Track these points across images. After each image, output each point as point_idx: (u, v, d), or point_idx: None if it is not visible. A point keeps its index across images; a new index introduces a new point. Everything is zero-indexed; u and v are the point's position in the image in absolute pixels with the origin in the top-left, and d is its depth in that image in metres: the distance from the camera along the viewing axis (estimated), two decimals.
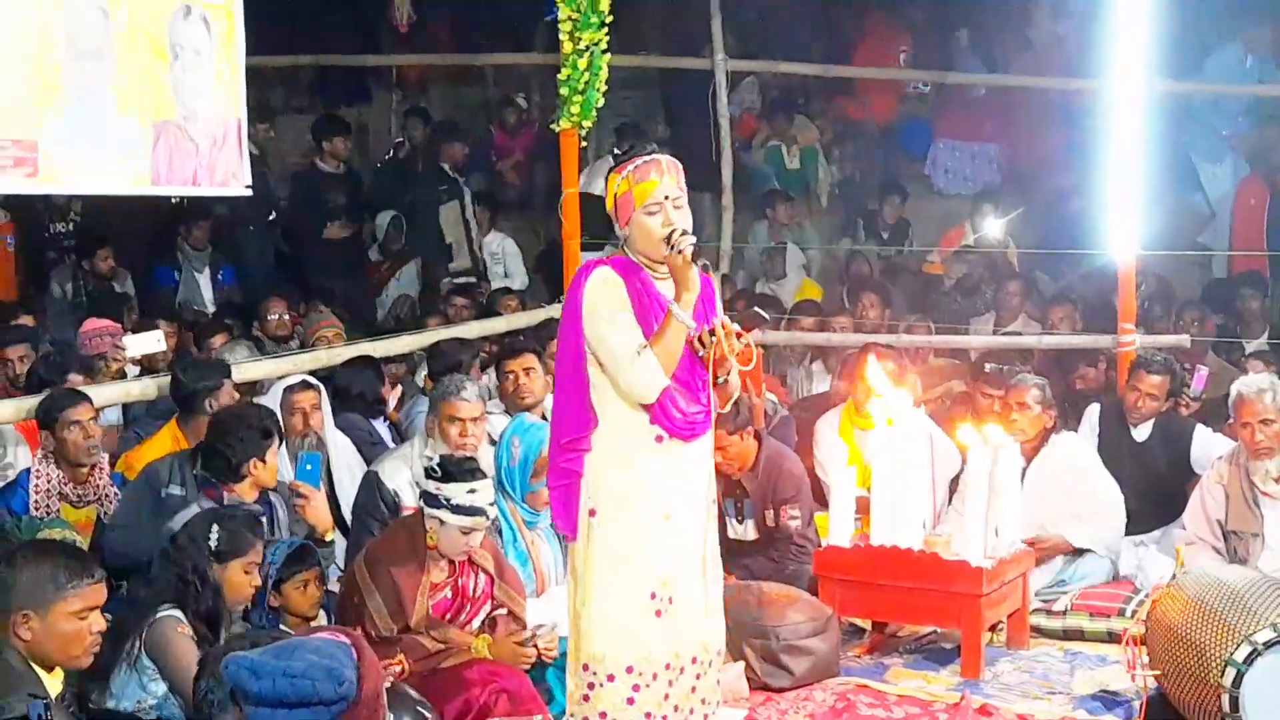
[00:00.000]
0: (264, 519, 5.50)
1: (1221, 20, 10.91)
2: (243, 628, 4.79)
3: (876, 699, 5.51)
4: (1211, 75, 10.95)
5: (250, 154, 5.22)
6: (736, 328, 4.41)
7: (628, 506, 4.40)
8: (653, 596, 4.41)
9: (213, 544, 4.72)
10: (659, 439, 4.40)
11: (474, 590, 5.30)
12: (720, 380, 4.44)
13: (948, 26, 12.28)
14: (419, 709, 4.61)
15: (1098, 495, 6.62)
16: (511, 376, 6.93)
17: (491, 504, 5.25)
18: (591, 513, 4.42)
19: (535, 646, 5.20)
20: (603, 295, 4.38)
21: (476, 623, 5.32)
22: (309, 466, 5.80)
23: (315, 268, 10.66)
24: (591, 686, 4.43)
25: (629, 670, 4.40)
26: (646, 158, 4.39)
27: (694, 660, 4.50)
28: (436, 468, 5.23)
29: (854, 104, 12.40)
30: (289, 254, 11.02)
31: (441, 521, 5.14)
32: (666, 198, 4.35)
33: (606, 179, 4.51)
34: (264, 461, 5.67)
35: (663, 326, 4.31)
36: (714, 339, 4.33)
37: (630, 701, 4.41)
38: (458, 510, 5.11)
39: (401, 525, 5.43)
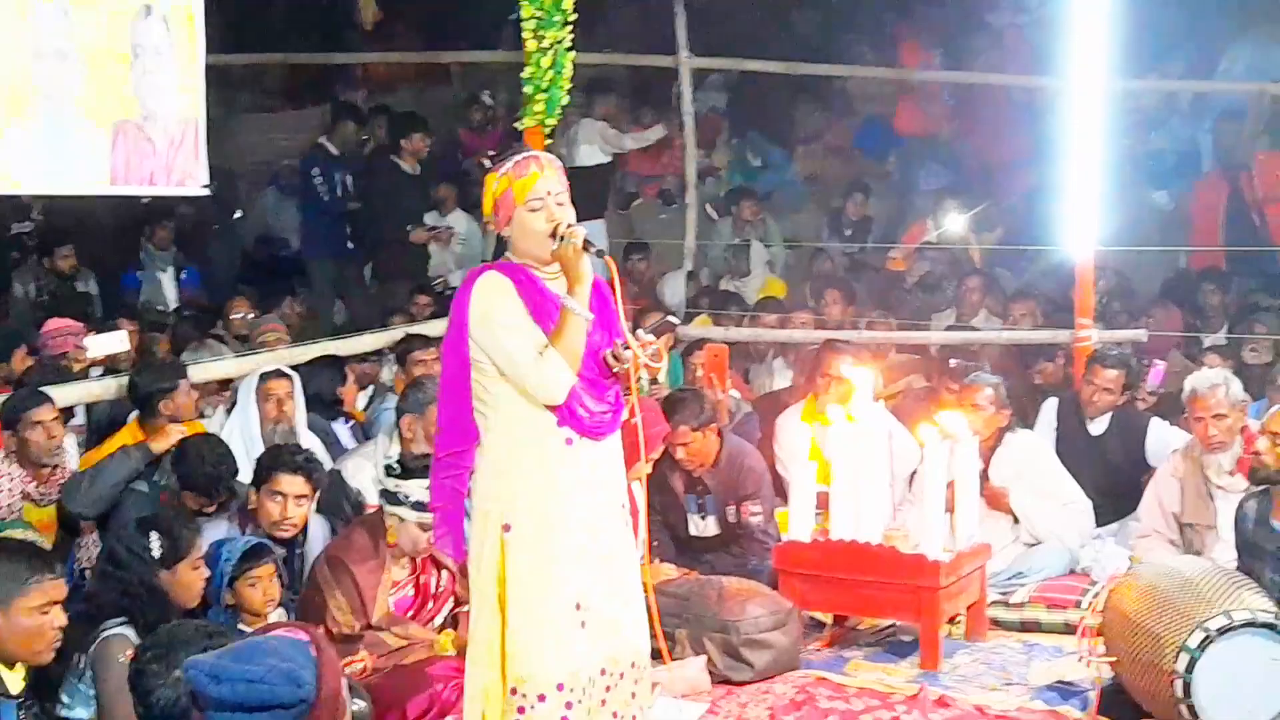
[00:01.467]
0: None
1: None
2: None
3: (836, 691, 5.55)
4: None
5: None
6: (649, 337, 4.22)
7: (543, 516, 4.13)
8: (577, 608, 4.14)
9: (155, 552, 4.69)
10: (569, 441, 4.14)
11: (436, 587, 5.34)
12: (635, 386, 4.30)
13: (906, 26, 12.35)
14: (355, 699, 4.61)
15: (1065, 492, 6.69)
16: None
17: None
18: (505, 528, 4.12)
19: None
20: (493, 300, 4.14)
21: (439, 619, 5.36)
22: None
23: (390, 269, 10.67)
24: (521, 710, 4.12)
25: (559, 687, 4.10)
26: (523, 154, 4.23)
27: (602, 672, 4.20)
28: (395, 465, 5.26)
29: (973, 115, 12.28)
30: (357, 251, 10.97)
31: (401, 519, 5.18)
32: (549, 192, 4.15)
33: (483, 181, 4.32)
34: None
35: (560, 322, 4.10)
36: (628, 353, 4.14)
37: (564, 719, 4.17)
38: (417, 507, 5.14)
39: (361, 523, 5.46)
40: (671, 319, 4.68)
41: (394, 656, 5.12)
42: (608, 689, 4.20)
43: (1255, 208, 10.61)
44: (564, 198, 4.19)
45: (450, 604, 5.40)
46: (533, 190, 4.14)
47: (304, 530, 5.73)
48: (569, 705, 4.11)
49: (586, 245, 4.11)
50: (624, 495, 4.31)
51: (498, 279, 4.16)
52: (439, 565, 5.36)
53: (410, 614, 5.30)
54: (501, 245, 4.31)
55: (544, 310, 4.14)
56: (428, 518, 5.04)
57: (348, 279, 10.78)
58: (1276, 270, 10.14)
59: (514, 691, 4.10)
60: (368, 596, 5.14)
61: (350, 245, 10.84)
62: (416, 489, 5.13)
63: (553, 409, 4.09)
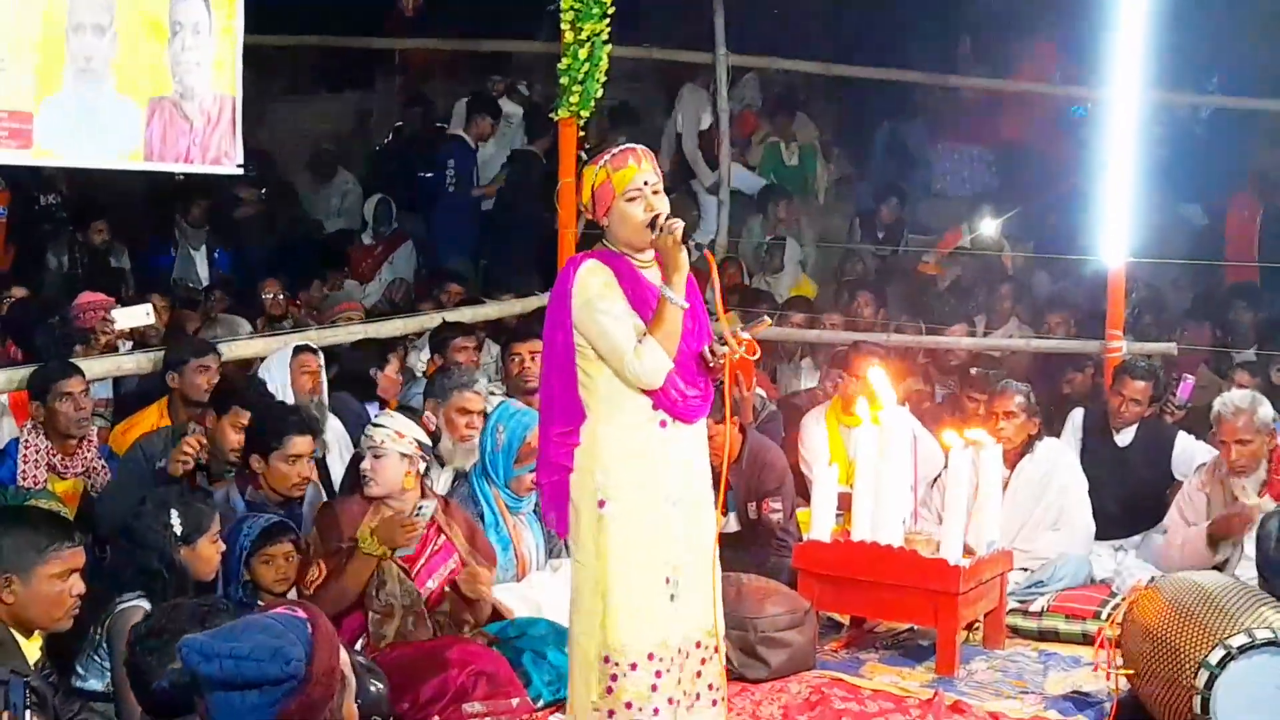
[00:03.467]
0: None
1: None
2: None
3: (851, 693, 5.53)
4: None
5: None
6: (744, 334, 4.47)
7: (639, 494, 4.37)
8: (667, 581, 4.40)
9: (177, 530, 4.72)
10: (663, 424, 4.39)
11: (435, 542, 5.40)
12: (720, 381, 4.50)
13: (950, 31, 12.30)
14: (370, 679, 4.63)
15: (1067, 507, 6.67)
16: (517, 359, 7.01)
17: (376, 424, 5.46)
18: (601, 504, 4.36)
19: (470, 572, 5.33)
20: (594, 287, 4.35)
21: (432, 582, 5.40)
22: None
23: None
24: (615, 678, 4.37)
25: (650, 657, 4.36)
26: (621, 147, 4.41)
27: (697, 644, 4.49)
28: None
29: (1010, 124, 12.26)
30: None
31: (375, 456, 5.34)
32: (645, 183, 4.34)
33: (581, 174, 4.51)
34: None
35: (659, 311, 4.31)
36: (725, 349, 4.38)
37: (654, 689, 4.37)
38: (369, 437, 5.38)
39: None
40: (766, 316, 4.85)
41: (339, 556, 5.22)
42: (703, 661, 4.51)
43: None
44: (659, 187, 4.38)
45: (444, 570, 5.44)
46: (631, 182, 4.35)
47: None
48: (659, 674, 4.38)
49: (684, 236, 4.30)
50: (709, 476, 4.56)
51: (599, 267, 4.39)
52: (442, 534, 5.40)
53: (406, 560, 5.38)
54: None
55: (641, 298, 4.37)
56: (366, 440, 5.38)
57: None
58: None
59: (606, 660, 4.37)
60: (345, 529, 5.30)
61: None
62: (380, 417, 5.46)
63: (649, 393, 4.34)
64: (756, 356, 4.55)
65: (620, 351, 4.30)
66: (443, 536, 5.44)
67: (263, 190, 11.00)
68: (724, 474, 4.64)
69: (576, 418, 4.42)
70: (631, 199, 4.34)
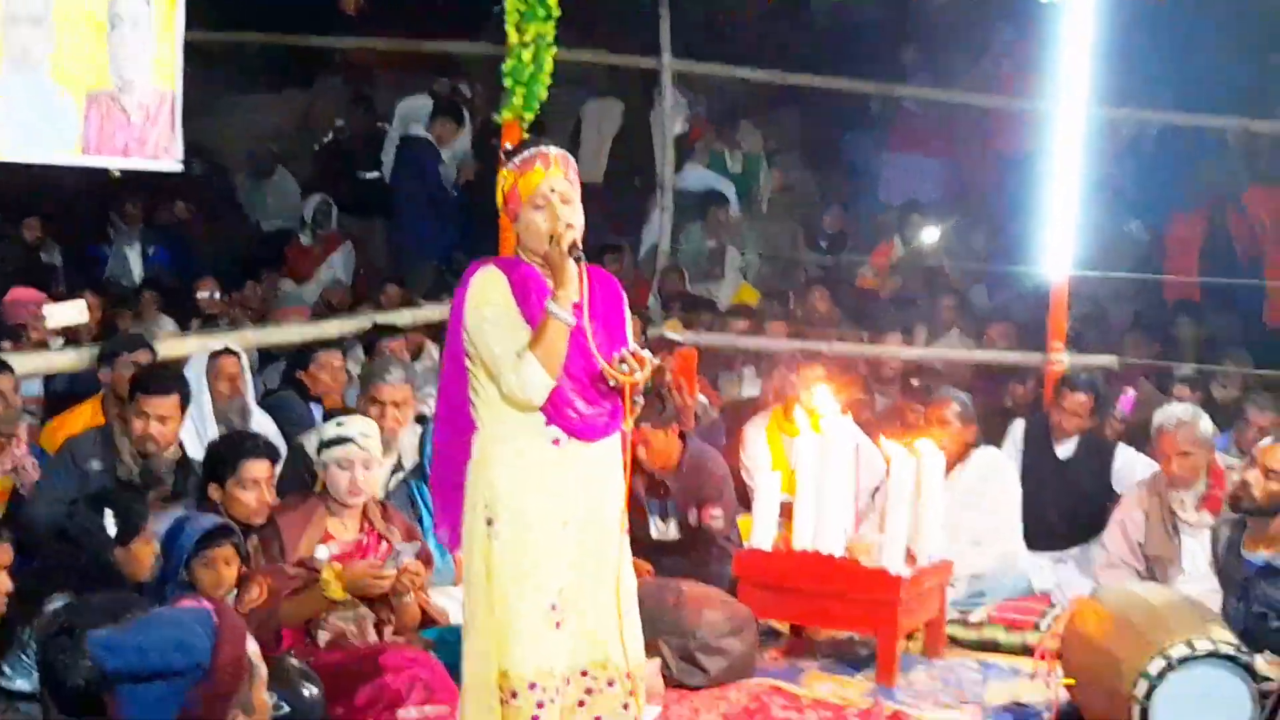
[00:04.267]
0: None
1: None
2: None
3: (790, 701, 5.52)
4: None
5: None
6: (646, 354, 4.13)
7: (526, 514, 4.12)
8: (553, 608, 4.13)
9: (111, 530, 4.64)
10: (556, 441, 4.13)
11: (377, 552, 5.31)
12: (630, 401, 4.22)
13: (898, 42, 12.33)
14: (305, 683, 4.56)
15: (999, 517, 6.68)
16: None
17: (365, 434, 5.31)
18: (489, 521, 4.13)
19: (401, 575, 5.13)
20: (484, 295, 4.14)
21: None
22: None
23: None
24: (504, 702, 4.13)
25: (531, 686, 4.10)
26: (533, 150, 4.18)
27: (583, 674, 4.21)
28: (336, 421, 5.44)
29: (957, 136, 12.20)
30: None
31: (324, 464, 5.26)
32: (553, 190, 4.11)
33: (497, 173, 4.32)
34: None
35: (540, 327, 4.06)
36: (626, 369, 4.08)
37: (535, 719, 4.13)
38: (328, 444, 5.27)
39: (296, 492, 5.56)
40: (673, 336, 4.54)
41: (290, 580, 5.06)
42: (588, 691, 4.21)
43: (1241, 242, 10.63)
44: (570, 195, 4.14)
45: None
46: (537, 188, 4.13)
47: None
48: (540, 705, 4.10)
49: (573, 248, 4.08)
50: (620, 500, 4.25)
51: (493, 274, 4.16)
52: (383, 540, 5.32)
53: None
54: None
55: (535, 308, 4.11)
56: (339, 451, 5.25)
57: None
58: (1250, 306, 10.17)
59: (498, 685, 4.15)
60: (288, 539, 5.19)
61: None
62: (328, 429, 5.35)
63: (543, 408, 4.10)
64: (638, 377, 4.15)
65: (499, 363, 4.07)
66: (383, 543, 5.35)
67: (201, 188, 10.84)
68: (628, 488, 4.29)
69: (467, 429, 4.22)
70: (538, 207, 4.13)
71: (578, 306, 4.13)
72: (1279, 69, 11.09)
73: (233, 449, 5.51)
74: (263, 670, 2.62)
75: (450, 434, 4.29)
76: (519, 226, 4.18)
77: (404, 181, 11.04)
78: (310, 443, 6.01)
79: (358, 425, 5.35)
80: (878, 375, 8.91)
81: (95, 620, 3.30)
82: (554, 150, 4.19)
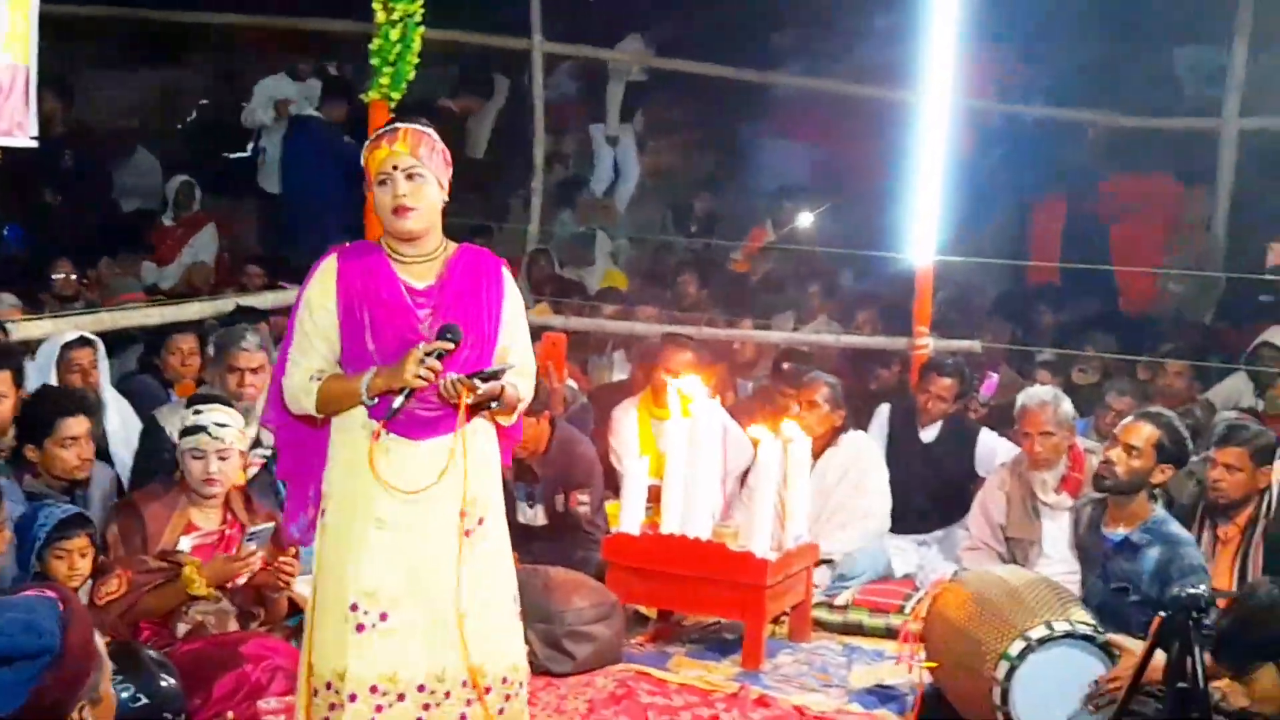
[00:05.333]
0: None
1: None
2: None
3: (657, 687, 5.51)
4: None
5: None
6: (477, 383, 3.94)
7: (344, 508, 4.03)
8: (354, 609, 3.96)
9: None
10: (376, 435, 3.97)
11: (236, 547, 5.20)
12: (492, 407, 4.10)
13: (769, 28, 12.37)
14: (161, 674, 4.47)
15: (865, 500, 6.74)
16: None
17: (219, 424, 5.21)
18: (321, 513, 4.10)
19: (277, 568, 5.10)
20: (309, 290, 4.08)
21: (241, 580, 5.19)
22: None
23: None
24: (315, 693, 4.02)
25: (328, 686, 3.98)
26: (388, 127, 4.08)
27: (419, 688, 3.99)
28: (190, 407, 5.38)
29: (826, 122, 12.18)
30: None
31: (181, 454, 5.18)
32: (395, 167, 3.99)
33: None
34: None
35: (344, 383, 3.99)
36: (453, 391, 3.93)
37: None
38: (184, 432, 5.19)
39: (158, 480, 5.43)
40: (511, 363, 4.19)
41: (150, 576, 4.96)
42: (425, 706, 4.01)
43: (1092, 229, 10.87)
44: (418, 170, 4.01)
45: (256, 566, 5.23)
46: (381, 165, 4.03)
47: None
48: (333, 707, 3.97)
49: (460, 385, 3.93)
50: (463, 504, 4.03)
51: (327, 267, 4.09)
52: (244, 526, 5.24)
53: None
54: None
55: (374, 296, 4.03)
56: (193, 440, 5.17)
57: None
58: (1110, 291, 10.37)
59: (329, 686, 3.99)
60: (151, 531, 5.10)
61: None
62: (186, 416, 5.26)
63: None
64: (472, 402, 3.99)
65: (288, 367, 4.07)
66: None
67: (58, 166, 10.56)
68: (465, 486, 4.01)
69: (283, 411, 4.16)
70: (381, 183, 4.03)
71: (425, 294, 4.06)
72: (1145, 63, 11.39)
73: (48, 407, 5.40)
74: (108, 664, 2.55)
75: (276, 417, 4.21)
76: (375, 204, 4.09)
77: (304, 160, 10.78)
78: (174, 422, 5.89)
79: (213, 415, 5.24)
80: (733, 361, 8.91)
81: None
82: (407, 126, 4.07)
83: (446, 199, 4.13)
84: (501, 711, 4.09)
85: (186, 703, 4.64)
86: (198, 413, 5.25)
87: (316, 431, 4.14)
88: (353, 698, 3.94)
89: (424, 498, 3.99)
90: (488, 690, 4.04)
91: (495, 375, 3.99)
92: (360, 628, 3.96)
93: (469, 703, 4.04)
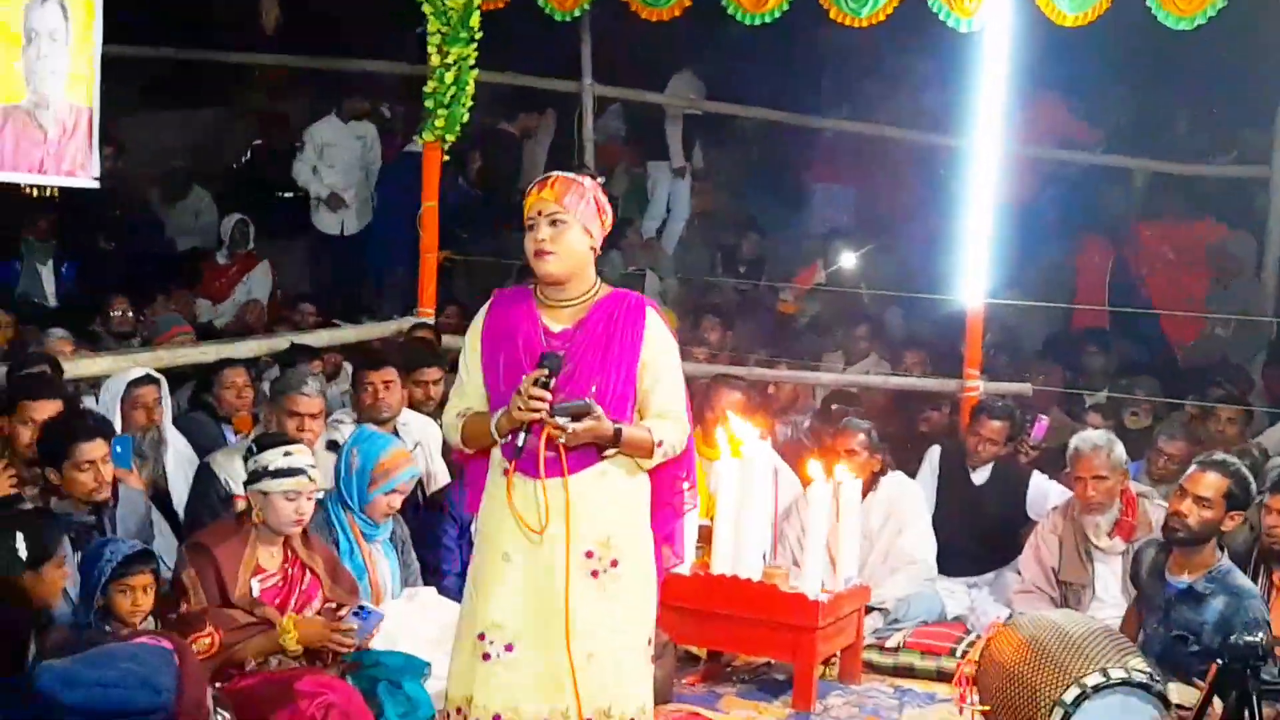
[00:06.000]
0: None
1: None
2: (63, 627, 4.63)
3: None
4: None
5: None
6: (572, 427, 4.03)
7: (481, 542, 4.23)
8: (481, 638, 4.12)
9: (22, 553, 4.47)
10: (506, 471, 4.14)
11: (302, 583, 5.22)
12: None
13: (817, 72, 12.41)
14: (219, 710, 4.48)
15: (907, 543, 6.74)
16: (370, 388, 6.75)
17: (312, 466, 5.20)
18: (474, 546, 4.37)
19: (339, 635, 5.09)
20: (469, 332, 4.34)
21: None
22: (118, 449, 5.65)
23: None
24: (447, 717, 4.22)
25: (458, 711, 4.15)
26: (545, 175, 4.25)
27: None
28: (253, 445, 5.27)
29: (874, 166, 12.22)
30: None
31: (264, 493, 5.10)
32: (540, 213, 4.14)
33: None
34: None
35: (483, 422, 4.19)
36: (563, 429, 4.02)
37: None
38: (276, 474, 5.09)
39: (228, 513, 5.44)
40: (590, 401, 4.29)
41: (241, 633, 4.94)
42: None
43: (1137, 274, 10.85)
44: (562, 216, 4.14)
45: (316, 603, 5.23)
46: (529, 209, 4.20)
47: (114, 494, 5.54)
48: None
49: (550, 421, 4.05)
50: (590, 547, 4.12)
51: (484, 309, 4.34)
52: (306, 568, 5.24)
53: (277, 602, 5.15)
54: None
55: (511, 336, 4.20)
56: (289, 483, 5.08)
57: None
58: (1157, 335, 10.34)
59: (459, 710, 4.19)
60: (227, 574, 5.03)
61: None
62: (275, 457, 5.13)
63: None
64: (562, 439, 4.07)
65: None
66: (308, 574, 5.26)
67: (115, 206, 10.69)
68: (568, 527, 4.08)
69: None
70: (529, 227, 4.18)
71: (560, 337, 4.18)
72: (1193, 109, 11.39)
73: (63, 432, 5.37)
74: (209, 712, 2.55)
75: (464, 455, 4.44)
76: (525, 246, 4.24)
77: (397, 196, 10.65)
78: (230, 467, 5.92)
79: (305, 458, 5.20)
80: (777, 403, 8.90)
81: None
82: (559, 174, 4.23)
83: (597, 248, 4.25)
84: None
85: None
86: (288, 454, 5.16)
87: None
88: None
89: (548, 536, 4.09)
90: None
91: (575, 412, 4.03)
92: (486, 657, 4.11)
93: None
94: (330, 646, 5.08)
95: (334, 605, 5.21)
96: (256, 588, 5.12)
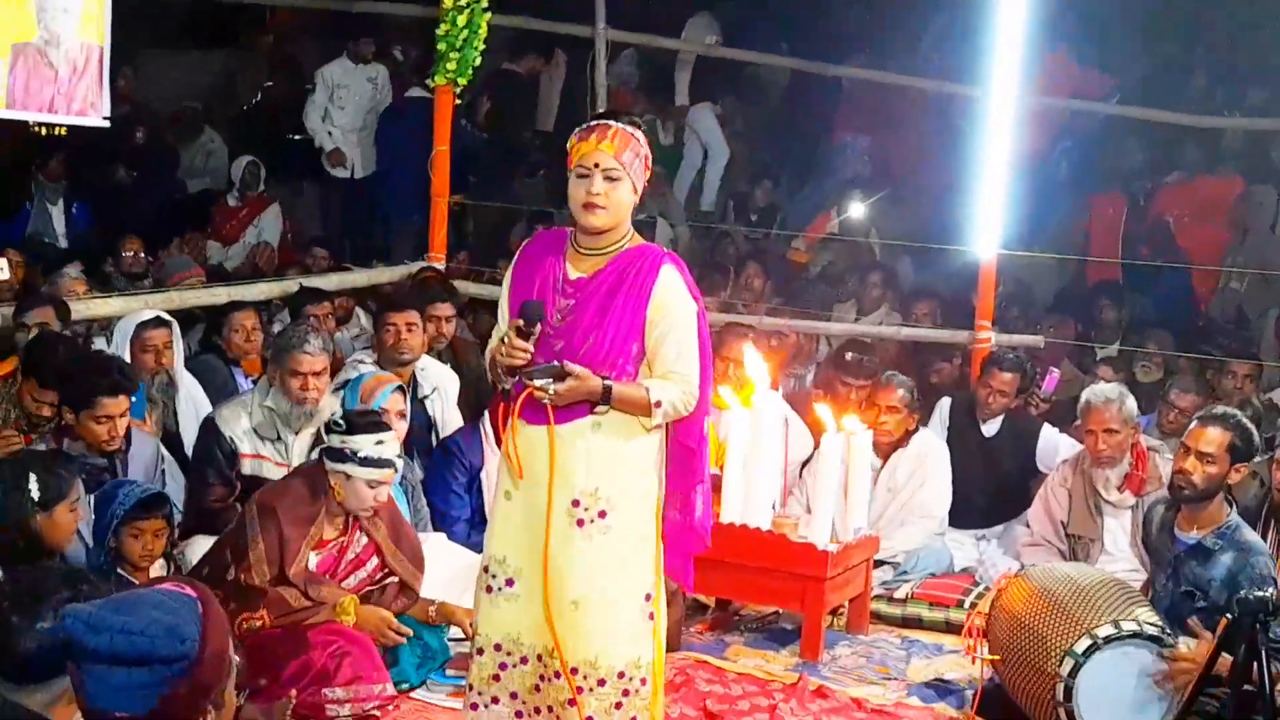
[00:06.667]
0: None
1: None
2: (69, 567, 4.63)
3: (715, 675, 5.53)
4: None
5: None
6: (537, 383, 4.04)
7: (498, 480, 4.32)
8: (485, 571, 4.25)
9: (35, 494, 4.50)
10: (508, 414, 4.21)
11: (356, 547, 5.19)
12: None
13: (835, 21, 12.31)
14: None
15: (926, 499, 6.73)
16: (392, 329, 6.70)
17: (399, 455, 5.17)
18: None
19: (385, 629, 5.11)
20: (507, 272, 4.34)
21: (350, 582, 5.19)
22: (134, 401, 5.65)
23: None
24: (473, 656, 4.34)
25: (497, 648, 4.24)
26: (600, 121, 4.15)
27: (538, 658, 4.19)
28: (341, 421, 5.15)
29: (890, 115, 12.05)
30: None
31: (348, 476, 5.03)
32: (598, 165, 4.05)
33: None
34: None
35: (498, 356, 4.16)
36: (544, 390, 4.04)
37: (496, 679, 4.26)
38: (365, 463, 5.02)
39: (301, 475, 5.27)
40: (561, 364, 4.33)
41: (294, 616, 4.95)
42: (541, 677, 4.20)
43: (1152, 227, 10.80)
44: (619, 174, 4.07)
45: (364, 572, 5.23)
46: (583, 158, 4.11)
47: (127, 439, 5.56)
48: (480, 651, 4.26)
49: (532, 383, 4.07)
50: (586, 490, 4.13)
51: (520, 253, 4.33)
52: (364, 533, 5.20)
53: (327, 574, 5.14)
54: None
55: (531, 280, 4.19)
56: (377, 474, 5.03)
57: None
58: (1171, 289, 10.30)
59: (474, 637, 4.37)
60: (290, 550, 4.98)
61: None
62: (366, 444, 5.03)
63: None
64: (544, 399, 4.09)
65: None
66: (362, 539, 5.21)
67: (126, 146, 10.66)
68: (550, 475, 4.13)
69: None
70: (581, 175, 4.09)
71: (576, 285, 4.17)
72: (1211, 61, 11.30)
73: (89, 384, 5.35)
74: (234, 666, 2.54)
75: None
76: (569, 190, 4.16)
77: (403, 140, 10.57)
78: (236, 424, 5.86)
79: (395, 446, 5.14)
80: (784, 352, 8.87)
81: (58, 587, 3.21)
82: (620, 127, 4.13)
83: (638, 200, 4.22)
84: (619, 706, 4.16)
85: (253, 680, 4.67)
86: (380, 443, 5.07)
87: None
88: (480, 651, 4.26)
89: (539, 482, 4.14)
90: (601, 682, 4.14)
91: (551, 374, 4.02)
92: (489, 589, 4.24)
93: (580, 690, 4.13)
94: (381, 641, 5.07)
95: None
96: (314, 561, 5.09)
